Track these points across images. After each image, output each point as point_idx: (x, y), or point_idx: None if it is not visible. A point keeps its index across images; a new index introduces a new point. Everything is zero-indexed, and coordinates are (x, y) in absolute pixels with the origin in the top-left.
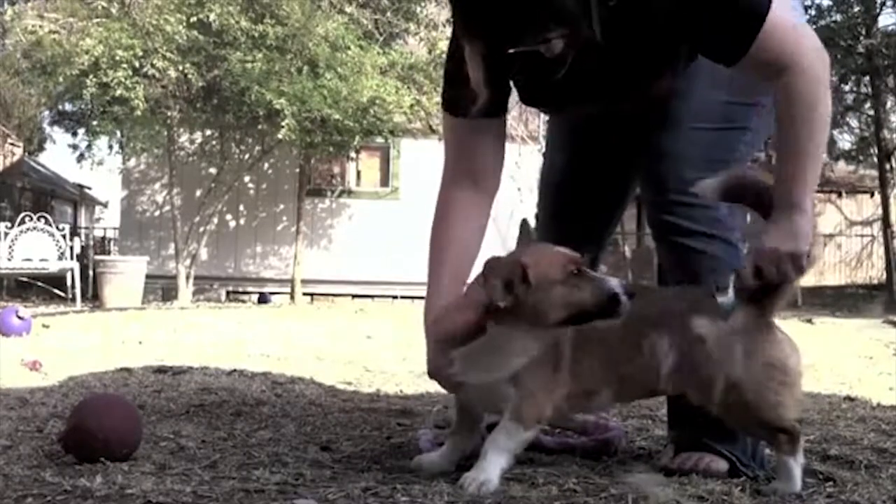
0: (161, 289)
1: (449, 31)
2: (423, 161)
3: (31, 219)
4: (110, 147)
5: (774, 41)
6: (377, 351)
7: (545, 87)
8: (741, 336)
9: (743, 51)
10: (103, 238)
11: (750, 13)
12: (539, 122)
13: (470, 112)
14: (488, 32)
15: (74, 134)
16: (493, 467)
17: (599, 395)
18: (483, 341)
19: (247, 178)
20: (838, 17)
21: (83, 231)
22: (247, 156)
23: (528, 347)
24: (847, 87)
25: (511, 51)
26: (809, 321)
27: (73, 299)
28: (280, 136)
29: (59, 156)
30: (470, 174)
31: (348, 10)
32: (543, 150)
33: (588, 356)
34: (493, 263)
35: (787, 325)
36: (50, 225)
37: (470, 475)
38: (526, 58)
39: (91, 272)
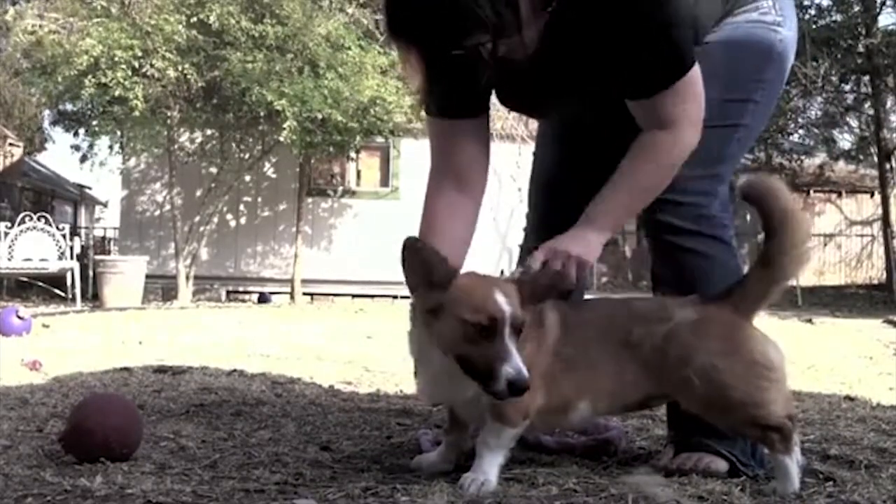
0: (161, 289)
1: None
2: (423, 161)
3: (32, 219)
4: (111, 147)
5: (679, 98)
6: (377, 351)
7: (508, 88)
8: (718, 336)
9: (655, 89)
10: (103, 238)
11: (677, 60)
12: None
13: (445, 112)
14: (417, 38)
15: (76, 134)
16: (489, 467)
17: (577, 406)
18: (441, 364)
19: (247, 178)
20: (838, 17)
21: (83, 231)
22: (247, 156)
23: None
24: (847, 87)
25: (454, 52)
26: (809, 321)
27: (73, 299)
28: (281, 137)
29: (59, 156)
30: (452, 175)
31: (349, 9)
32: (535, 149)
33: (564, 362)
34: (431, 258)
35: (787, 325)
36: (50, 225)
37: (469, 476)
38: (467, 60)
39: (91, 272)
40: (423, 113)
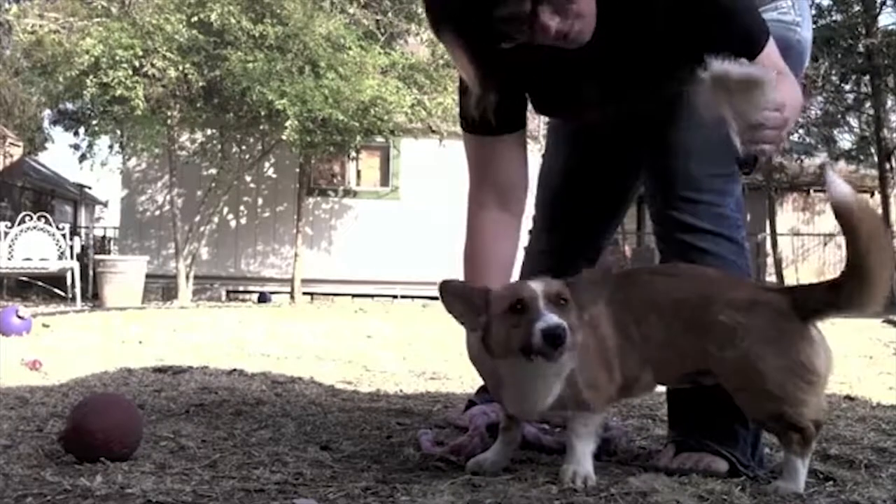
0: (161, 288)
1: None
2: (423, 161)
3: (32, 218)
4: (111, 147)
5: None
6: (377, 351)
7: (555, 88)
8: (769, 324)
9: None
10: (103, 238)
11: (751, 38)
12: (539, 121)
13: (484, 128)
14: (459, 21)
15: (76, 133)
16: (583, 457)
17: (641, 378)
18: (510, 380)
19: (247, 178)
20: (838, 17)
21: (83, 231)
22: (247, 155)
23: (550, 384)
24: (847, 87)
25: (504, 46)
26: None
27: (73, 299)
28: (283, 136)
29: (59, 156)
30: (493, 191)
31: (349, 10)
32: (543, 150)
33: (627, 337)
34: (463, 290)
35: None
36: (50, 224)
37: (568, 469)
38: (526, 55)
39: (91, 272)
40: (459, 129)
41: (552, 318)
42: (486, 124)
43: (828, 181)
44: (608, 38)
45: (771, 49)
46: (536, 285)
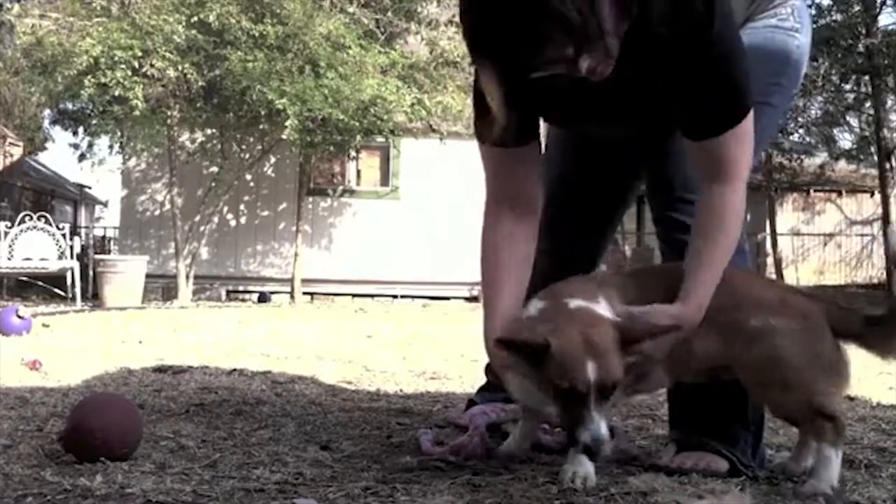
0: (161, 288)
1: (450, 31)
2: (423, 160)
3: (32, 218)
4: (111, 147)
5: (740, 139)
6: (377, 350)
7: (573, 109)
8: (797, 321)
9: (724, 127)
10: (103, 237)
11: (743, 95)
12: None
13: (501, 140)
14: (501, 54)
15: (75, 133)
16: (584, 458)
17: (652, 372)
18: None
19: (247, 178)
20: (838, 17)
21: (83, 230)
22: (247, 155)
23: None
24: (847, 87)
25: (535, 75)
26: None
27: (73, 299)
28: (284, 135)
29: (59, 155)
30: (509, 203)
31: (349, 9)
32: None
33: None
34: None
35: None
36: (50, 224)
37: (567, 469)
38: (549, 80)
39: (91, 271)
40: (476, 141)
41: (596, 431)
42: (505, 137)
43: (888, 236)
44: (624, 70)
45: (749, 122)
46: (591, 374)
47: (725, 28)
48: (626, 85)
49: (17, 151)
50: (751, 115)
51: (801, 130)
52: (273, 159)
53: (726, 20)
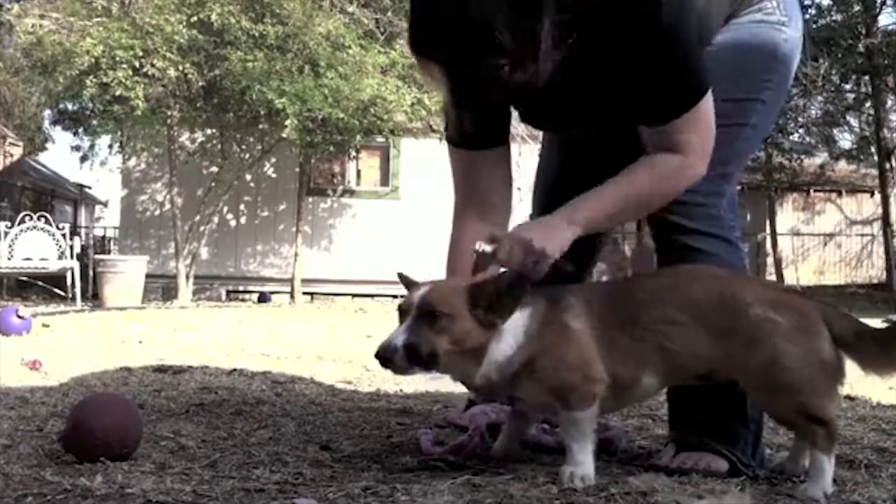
0: (161, 288)
1: None
2: (423, 160)
3: (32, 218)
4: (111, 147)
5: (691, 126)
6: None
7: (526, 110)
8: (793, 321)
9: (669, 116)
10: (103, 237)
11: (693, 87)
12: None
13: (463, 141)
14: (436, 57)
15: (76, 133)
16: (581, 455)
17: (641, 380)
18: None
19: (247, 178)
20: (838, 17)
21: (83, 230)
22: (247, 155)
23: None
24: (847, 87)
25: (469, 72)
26: None
27: (73, 299)
28: (284, 134)
29: (59, 156)
30: (475, 204)
31: (349, 9)
32: (540, 149)
33: (626, 338)
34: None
35: None
36: (50, 224)
37: (567, 469)
38: (487, 81)
39: (91, 271)
40: (445, 142)
41: (387, 339)
42: (468, 138)
43: None
44: (568, 76)
45: (708, 105)
46: (413, 296)
47: (666, 14)
48: (573, 84)
49: (17, 151)
50: (706, 99)
51: (801, 130)
52: (273, 159)
53: (667, 6)
